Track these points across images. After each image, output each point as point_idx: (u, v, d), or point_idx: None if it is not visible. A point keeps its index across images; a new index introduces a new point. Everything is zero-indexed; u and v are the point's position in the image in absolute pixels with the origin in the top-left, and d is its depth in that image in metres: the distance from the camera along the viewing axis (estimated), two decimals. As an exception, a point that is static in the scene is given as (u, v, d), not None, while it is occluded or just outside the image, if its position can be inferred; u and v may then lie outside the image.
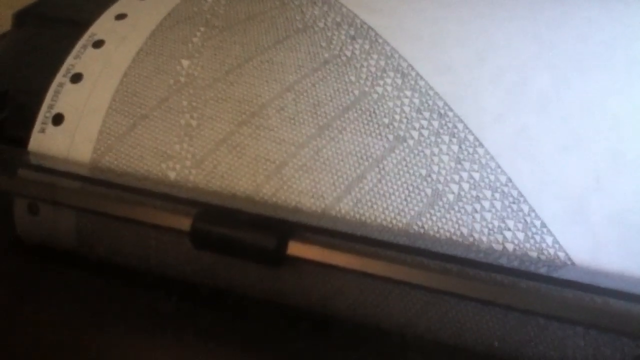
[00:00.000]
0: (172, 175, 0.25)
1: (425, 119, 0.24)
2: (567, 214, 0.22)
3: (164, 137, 0.25)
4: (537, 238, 0.22)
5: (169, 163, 0.25)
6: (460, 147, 0.23)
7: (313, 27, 0.27)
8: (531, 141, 0.23)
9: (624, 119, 0.23)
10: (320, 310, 0.24)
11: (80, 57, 0.28)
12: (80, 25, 0.29)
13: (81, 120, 0.26)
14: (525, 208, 0.22)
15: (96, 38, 0.28)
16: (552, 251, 0.22)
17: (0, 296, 0.26)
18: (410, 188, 0.23)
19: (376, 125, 0.24)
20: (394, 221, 0.23)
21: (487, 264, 0.22)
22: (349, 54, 0.26)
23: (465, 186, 0.23)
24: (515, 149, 0.23)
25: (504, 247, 0.22)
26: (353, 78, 0.25)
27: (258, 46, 0.27)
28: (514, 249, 0.22)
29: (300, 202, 0.24)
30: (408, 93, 0.24)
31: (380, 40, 0.26)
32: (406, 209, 0.23)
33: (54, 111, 0.27)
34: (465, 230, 0.22)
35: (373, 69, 0.25)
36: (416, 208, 0.23)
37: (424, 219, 0.23)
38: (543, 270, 0.22)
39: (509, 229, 0.22)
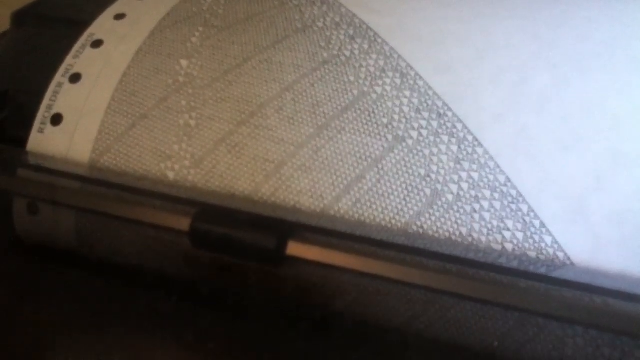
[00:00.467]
0: (171, 175, 0.25)
1: (424, 119, 0.24)
2: (567, 213, 0.22)
3: (163, 137, 0.25)
4: (536, 238, 0.22)
5: (168, 163, 0.25)
6: (459, 147, 0.23)
7: (312, 27, 0.27)
8: (531, 141, 0.23)
9: (624, 118, 0.23)
10: (319, 310, 0.24)
11: (79, 57, 0.28)
12: (79, 25, 0.29)
13: (80, 120, 0.26)
14: (525, 208, 0.22)
15: (95, 38, 0.28)
16: (551, 251, 0.22)
17: (0, 296, 0.26)
18: (410, 188, 0.23)
19: (375, 125, 0.24)
20: (393, 221, 0.23)
21: (486, 263, 0.22)
22: (348, 53, 0.26)
23: (465, 186, 0.23)
24: (515, 148, 0.23)
25: (503, 247, 0.22)
26: (352, 78, 0.25)
27: (257, 46, 0.27)
28: (513, 249, 0.22)
29: (299, 202, 0.24)
30: (407, 93, 0.24)
31: (379, 40, 0.26)
32: (405, 209, 0.23)
33: (53, 111, 0.27)
34: (464, 230, 0.22)
35: (372, 69, 0.25)
36: (415, 208, 0.23)
37: (423, 219, 0.23)
38: (542, 270, 0.22)
39: (508, 229, 0.22)
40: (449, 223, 0.23)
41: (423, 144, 0.23)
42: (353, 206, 0.23)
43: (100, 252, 0.26)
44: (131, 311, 0.25)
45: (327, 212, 0.23)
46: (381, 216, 0.23)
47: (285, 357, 0.24)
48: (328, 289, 0.24)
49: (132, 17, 0.29)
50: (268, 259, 0.23)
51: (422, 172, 0.23)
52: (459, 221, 0.22)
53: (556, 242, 0.22)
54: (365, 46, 0.26)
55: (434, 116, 0.24)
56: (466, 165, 0.23)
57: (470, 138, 0.23)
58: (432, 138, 0.23)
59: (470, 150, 0.23)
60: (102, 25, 0.28)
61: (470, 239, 0.22)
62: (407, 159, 0.23)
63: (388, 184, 0.23)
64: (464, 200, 0.23)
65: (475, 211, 0.22)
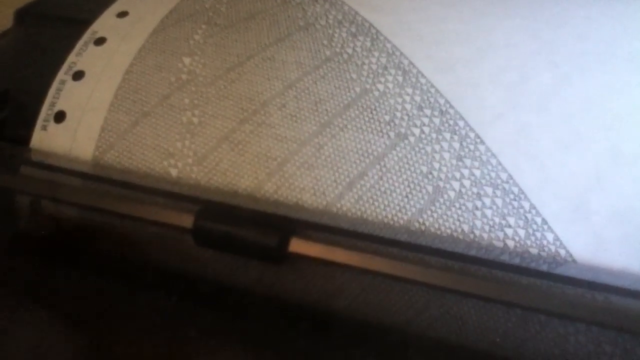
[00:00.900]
0: (174, 172, 0.25)
1: (426, 116, 0.24)
2: (568, 211, 0.22)
3: (166, 135, 0.25)
4: (538, 235, 0.22)
5: (171, 160, 0.25)
6: (461, 144, 0.23)
7: (314, 25, 0.27)
8: (532, 139, 0.23)
9: (624, 117, 0.23)
10: (321, 308, 0.24)
11: (82, 55, 0.28)
12: (80, 24, 0.29)
13: (83, 117, 0.26)
14: (526, 205, 0.22)
15: (98, 35, 0.28)
16: (552, 248, 0.22)
17: (1, 296, 0.26)
18: (412, 185, 0.23)
19: (377, 123, 0.24)
20: (395, 218, 0.23)
21: (488, 261, 0.22)
22: (350, 51, 0.26)
23: (467, 183, 0.23)
24: (516, 146, 0.23)
25: (505, 244, 0.22)
26: (354, 75, 0.25)
27: (259, 44, 0.27)
28: (515, 246, 0.22)
29: (301, 199, 0.24)
30: (409, 90, 0.24)
31: (381, 38, 0.26)
32: (407, 206, 0.23)
33: (56, 109, 0.27)
34: (466, 227, 0.22)
35: (374, 67, 0.25)
36: (417, 205, 0.23)
37: (425, 216, 0.23)
38: (544, 267, 0.22)
39: (510, 226, 0.22)
40: (451, 220, 0.23)
41: (425, 141, 0.24)
42: (355, 203, 0.23)
43: (102, 249, 0.27)
44: (132, 309, 0.25)
45: (329, 209, 0.23)
46: (383, 213, 0.23)
47: (286, 355, 0.24)
48: (330, 286, 0.24)
49: (134, 14, 0.29)
50: (270, 256, 0.23)
51: (424, 169, 0.23)
52: (461, 218, 0.23)
53: (558, 239, 0.22)
54: (368, 44, 0.26)
55: (436, 113, 0.24)
56: (468, 162, 0.23)
57: (472, 135, 0.23)
58: (434, 135, 0.24)
59: (472, 147, 0.23)
60: (105, 23, 0.29)
61: (472, 236, 0.22)
62: (409, 156, 0.23)
63: (390, 181, 0.23)
64: (466, 197, 0.23)
65: (477, 208, 0.22)
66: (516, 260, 0.22)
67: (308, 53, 0.26)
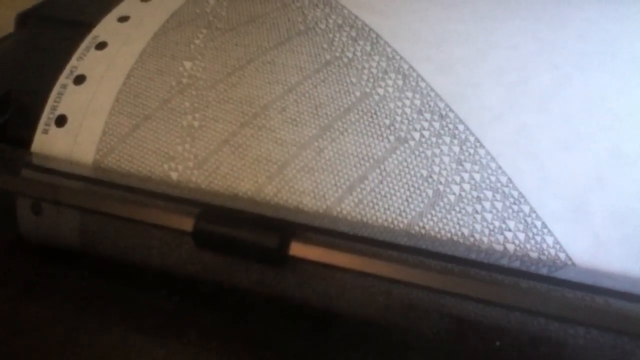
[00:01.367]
0: (174, 175, 0.25)
1: (426, 120, 0.24)
2: (568, 214, 0.22)
3: (167, 138, 0.25)
4: (538, 239, 0.22)
5: (172, 164, 0.25)
6: (461, 148, 0.23)
7: (314, 29, 0.27)
8: (532, 140, 0.23)
9: (624, 118, 0.23)
10: (321, 310, 0.24)
11: (83, 59, 0.28)
12: (82, 27, 0.29)
13: (84, 121, 0.27)
14: (526, 209, 0.22)
15: (99, 40, 0.28)
16: (552, 252, 0.22)
17: (1, 296, 0.26)
18: (412, 189, 0.23)
19: (377, 127, 0.24)
20: (396, 222, 0.23)
21: (488, 264, 0.22)
22: (350, 55, 0.26)
23: (466, 187, 0.23)
24: (516, 149, 0.23)
25: (505, 248, 0.22)
26: (354, 79, 0.25)
27: (260, 48, 0.27)
28: (515, 250, 0.22)
29: (301, 203, 0.24)
30: (409, 94, 0.24)
31: (381, 42, 0.26)
32: (407, 210, 0.23)
33: (57, 112, 0.27)
34: (466, 231, 0.22)
35: (374, 71, 0.25)
36: (417, 209, 0.23)
37: (425, 220, 0.23)
38: (544, 271, 0.22)
39: (510, 230, 0.22)
40: (450, 224, 0.23)
41: (425, 145, 0.24)
42: (355, 207, 0.23)
43: (103, 251, 0.27)
44: (133, 310, 0.25)
45: (329, 213, 0.23)
46: (383, 217, 0.23)
47: (286, 356, 0.24)
48: (330, 289, 0.24)
49: (135, 19, 0.29)
50: (271, 259, 0.23)
51: (424, 173, 0.23)
52: (461, 222, 0.23)
53: (558, 243, 0.22)
54: (368, 48, 0.26)
55: (436, 117, 0.24)
56: (468, 166, 0.23)
57: (472, 139, 0.23)
58: (434, 139, 0.24)
59: (472, 151, 0.23)
60: (106, 28, 0.29)
61: (472, 240, 0.22)
62: (409, 160, 0.23)
63: (390, 185, 0.23)
64: (465, 201, 0.23)
65: (477, 212, 0.23)
66: (516, 264, 0.22)
67: (308, 57, 0.26)
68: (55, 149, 0.27)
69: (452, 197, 0.23)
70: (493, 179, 0.23)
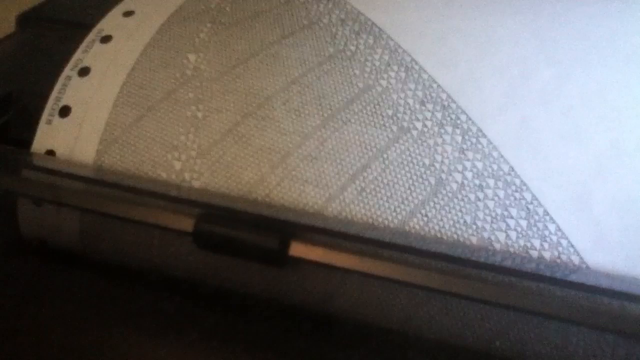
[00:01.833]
0: (177, 165, 0.25)
1: (428, 110, 0.24)
2: (570, 202, 0.22)
3: (170, 129, 0.26)
4: (540, 226, 0.22)
5: (175, 153, 0.25)
6: (463, 137, 0.23)
7: (318, 23, 0.27)
8: (533, 132, 0.23)
9: (624, 110, 0.23)
10: (322, 310, 0.24)
11: (88, 52, 0.28)
12: (83, 27, 0.30)
13: (88, 112, 0.27)
14: (528, 196, 0.22)
15: (104, 33, 0.29)
16: (555, 238, 0.22)
17: (2, 297, 0.26)
18: (414, 177, 0.23)
19: (380, 117, 0.24)
20: (398, 210, 0.23)
21: (487, 264, 0.22)
22: (353, 48, 0.26)
23: (469, 175, 0.23)
24: (518, 139, 0.23)
25: (507, 235, 0.22)
26: (357, 72, 0.25)
27: (264, 41, 0.27)
28: (517, 237, 0.22)
29: (304, 191, 0.24)
30: (412, 86, 0.25)
31: (384, 36, 0.26)
32: (410, 197, 0.23)
33: (61, 103, 0.27)
34: (468, 218, 0.23)
35: (377, 63, 0.26)
36: (420, 197, 0.23)
37: (427, 207, 0.23)
38: (545, 271, 0.22)
39: (512, 217, 0.22)
40: (453, 211, 0.23)
41: (427, 135, 0.24)
42: (358, 195, 0.23)
43: (104, 251, 0.27)
44: (134, 311, 0.25)
45: (332, 201, 0.24)
46: (386, 204, 0.23)
47: (287, 356, 0.24)
48: (330, 289, 0.24)
49: (140, 14, 0.29)
50: (271, 259, 0.23)
51: (427, 161, 0.23)
52: (463, 209, 0.23)
53: (560, 230, 0.22)
54: (370, 41, 0.26)
55: (438, 108, 0.24)
56: (470, 154, 0.23)
57: (474, 129, 0.24)
58: (436, 129, 0.24)
59: (474, 140, 0.23)
60: (111, 22, 0.29)
61: (474, 227, 0.22)
62: (411, 149, 0.24)
63: (393, 173, 0.23)
64: (468, 188, 0.23)
65: (479, 199, 0.23)
66: (517, 261, 0.22)
67: (311, 50, 0.26)
68: (59, 140, 0.27)
69: (454, 185, 0.23)
70: (495, 167, 0.23)
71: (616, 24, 0.25)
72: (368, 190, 0.23)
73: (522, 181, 0.23)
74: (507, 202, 0.22)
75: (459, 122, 0.24)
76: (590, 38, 0.25)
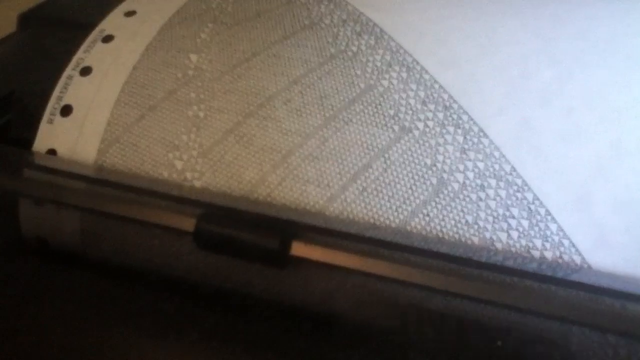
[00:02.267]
0: (179, 165, 0.25)
1: (430, 110, 0.24)
2: (571, 202, 0.22)
3: (172, 128, 0.26)
4: (542, 225, 0.22)
5: (176, 153, 0.25)
6: (465, 137, 0.24)
7: (319, 24, 0.27)
8: (534, 132, 0.23)
9: (624, 111, 0.23)
10: (323, 310, 0.24)
11: (90, 52, 0.28)
12: (84, 27, 0.30)
13: (89, 111, 0.27)
14: (530, 196, 0.22)
15: (106, 33, 0.29)
16: (556, 238, 0.22)
17: (2, 297, 0.26)
18: (416, 177, 0.23)
19: (382, 117, 0.24)
20: (400, 209, 0.23)
21: (489, 264, 0.22)
22: (354, 49, 0.26)
23: (470, 175, 0.23)
24: (519, 139, 0.23)
25: (509, 235, 0.22)
26: (359, 72, 0.25)
27: (265, 42, 0.27)
28: (519, 237, 0.22)
29: (305, 191, 0.24)
30: (413, 86, 0.25)
31: (385, 37, 0.26)
32: (412, 197, 0.23)
33: (63, 103, 0.27)
34: (470, 218, 0.23)
35: (379, 64, 0.26)
36: (421, 196, 0.23)
37: (429, 207, 0.23)
38: (547, 271, 0.22)
39: (514, 217, 0.22)
40: (454, 211, 0.23)
41: (429, 135, 0.24)
42: (360, 195, 0.23)
43: (104, 251, 0.26)
44: (134, 311, 0.25)
45: (333, 201, 0.24)
46: (388, 204, 0.23)
47: (288, 357, 0.24)
48: (331, 289, 0.24)
49: (142, 14, 0.29)
50: (272, 259, 0.23)
51: (429, 161, 0.23)
52: (465, 209, 0.23)
53: (561, 230, 0.22)
54: (372, 42, 0.26)
55: (439, 108, 0.24)
56: (472, 155, 0.23)
57: (475, 129, 0.24)
58: (438, 129, 0.24)
59: (475, 140, 0.23)
60: (112, 22, 0.29)
61: (476, 227, 0.22)
62: (413, 149, 0.24)
63: (395, 173, 0.23)
64: (469, 188, 0.23)
65: (481, 199, 0.23)
66: (519, 259, 0.22)
67: (313, 51, 0.26)
68: (60, 139, 0.27)
69: (456, 185, 0.23)
70: (497, 167, 0.23)
71: (616, 24, 0.25)
72: (369, 190, 0.23)
73: (523, 181, 0.23)
74: (509, 202, 0.22)
75: (460, 122, 0.24)
76: (591, 38, 0.25)
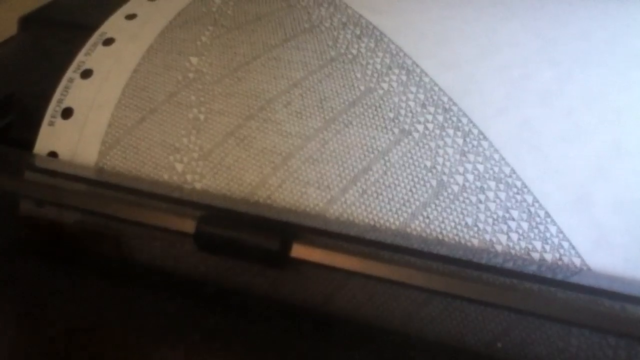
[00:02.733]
0: (179, 167, 0.25)
1: (430, 113, 0.24)
2: (571, 204, 0.22)
3: (172, 131, 0.26)
4: (541, 228, 0.22)
5: (177, 155, 0.25)
6: (464, 140, 0.24)
7: (319, 27, 0.27)
8: (534, 133, 0.23)
9: (624, 112, 0.23)
10: (323, 311, 0.24)
11: (91, 54, 0.28)
12: (85, 30, 0.30)
13: (90, 114, 0.27)
14: (529, 198, 0.22)
15: (107, 36, 0.29)
16: (556, 240, 0.22)
17: (2, 297, 0.26)
18: (416, 179, 0.23)
19: (382, 119, 0.24)
20: (400, 212, 0.23)
21: (489, 265, 0.22)
22: (354, 52, 0.26)
23: (470, 177, 0.23)
24: (519, 141, 0.23)
25: (509, 237, 0.22)
26: (359, 75, 0.26)
27: (265, 45, 0.27)
28: (518, 239, 0.22)
29: (306, 193, 0.24)
30: (413, 89, 0.25)
31: (385, 39, 0.26)
32: (412, 199, 0.23)
33: (64, 105, 0.27)
34: (470, 220, 0.23)
35: (378, 66, 0.26)
36: (421, 199, 0.23)
37: (429, 209, 0.23)
38: (547, 272, 0.22)
39: (514, 219, 0.22)
40: (454, 213, 0.23)
41: (429, 137, 0.24)
42: (360, 197, 0.24)
43: (104, 252, 0.27)
44: (135, 312, 0.25)
45: (333, 203, 0.24)
46: (388, 207, 0.23)
47: (288, 357, 0.24)
48: (331, 290, 0.24)
49: (143, 17, 0.29)
50: (272, 261, 0.23)
51: (428, 164, 0.23)
52: (465, 211, 0.23)
53: (561, 232, 0.22)
54: (372, 45, 0.26)
55: (439, 111, 0.24)
56: (471, 157, 0.23)
57: (475, 131, 0.24)
58: (437, 131, 0.24)
59: (475, 143, 0.23)
60: (113, 25, 0.29)
61: (475, 229, 0.23)
62: (413, 152, 0.24)
63: (395, 176, 0.24)
64: (469, 191, 0.23)
65: (480, 201, 0.23)
66: (519, 261, 0.22)
67: (313, 54, 0.26)
68: (61, 141, 0.27)
69: (455, 188, 0.23)
70: (496, 169, 0.23)
71: (616, 25, 0.25)
72: (369, 193, 0.23)
73: (523, 183, 0.23)
74: (509, 204, 0.23)
75: (460, 124, 0.24)
76: (591, 39, 0.25)
